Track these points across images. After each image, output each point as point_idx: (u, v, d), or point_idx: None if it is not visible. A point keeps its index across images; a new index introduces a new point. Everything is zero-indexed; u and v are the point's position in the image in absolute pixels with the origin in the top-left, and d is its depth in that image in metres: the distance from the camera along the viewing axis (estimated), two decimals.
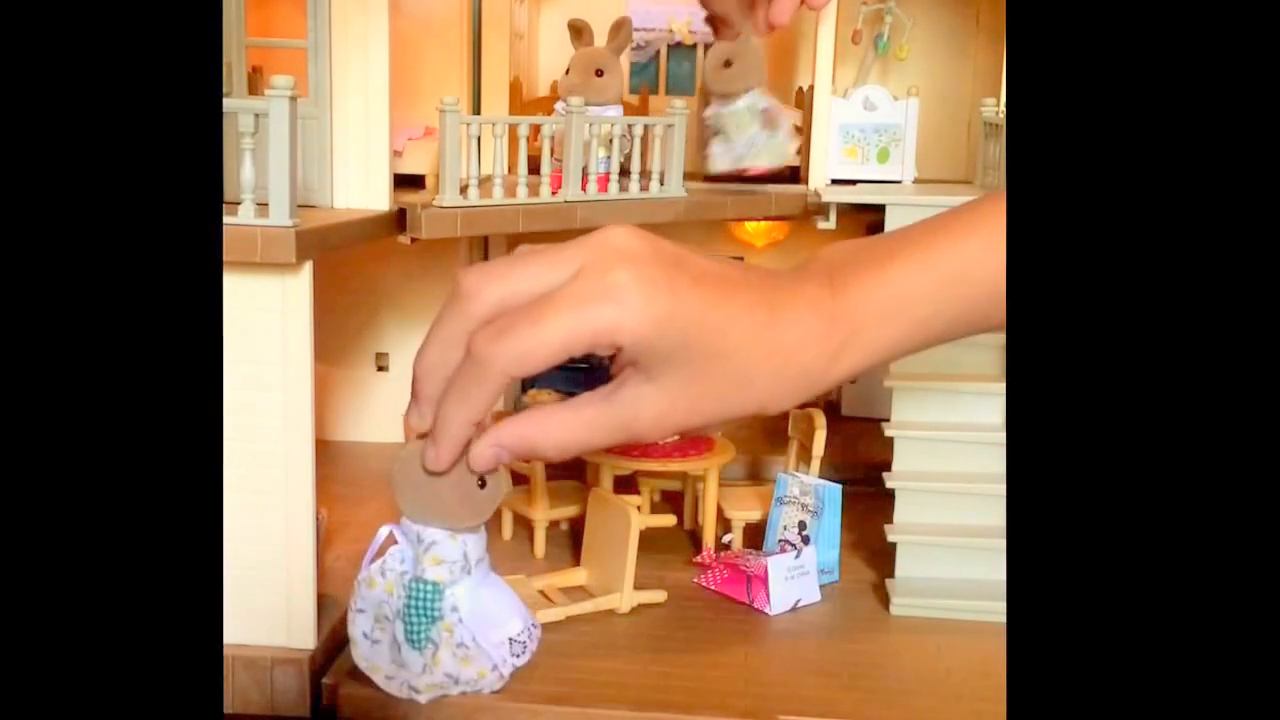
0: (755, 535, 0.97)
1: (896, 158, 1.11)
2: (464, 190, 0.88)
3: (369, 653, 0.57)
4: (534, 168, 0.96)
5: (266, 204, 0.70)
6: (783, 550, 0.92)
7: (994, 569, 0.88)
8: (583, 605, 0.85)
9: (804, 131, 1.13)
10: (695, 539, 0.99)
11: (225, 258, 0.62)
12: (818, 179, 1.11)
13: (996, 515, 0.89)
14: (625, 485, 0.99)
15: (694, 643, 0.82)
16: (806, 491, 0.93)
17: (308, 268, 0.72)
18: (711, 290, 0.44)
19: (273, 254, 0.69)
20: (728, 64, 0.99)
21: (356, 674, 0.64)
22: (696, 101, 1.09)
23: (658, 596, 0.87)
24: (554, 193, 0.94)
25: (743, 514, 0.98)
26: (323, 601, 0.77)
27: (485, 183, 0.92)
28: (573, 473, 1.01)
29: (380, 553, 0.56)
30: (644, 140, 1.01)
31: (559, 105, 1.00)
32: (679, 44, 1.30)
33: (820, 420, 0.97)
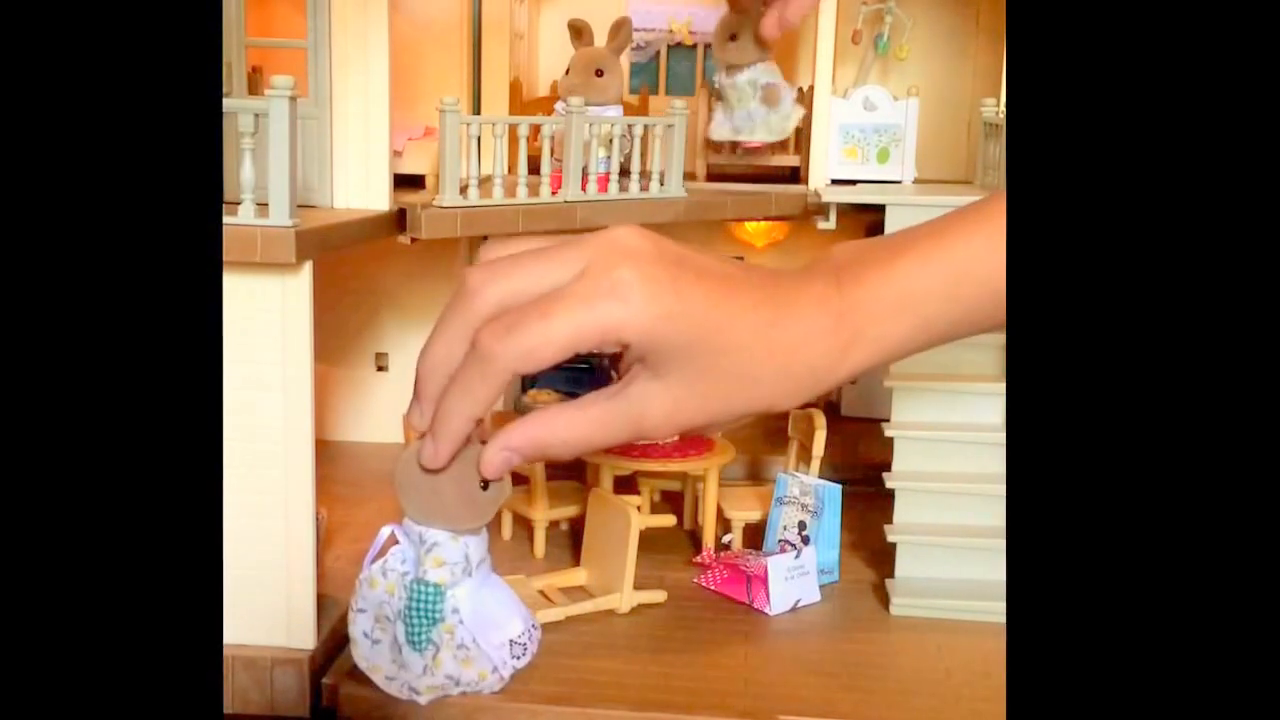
0: (755, 535, 0.97)
1: (896, 158, 1.11)
2: (464, 190, 0.88)
3: (369, 653, 0.57)
4: (534, 168, 0.96)
5: (266, 204, 0.70)
6: (783, 550, 0.92)
7: (994, 569, 0.88)
8: (582, 605, 0.85)
9: (804, 131, 1.13)
10: (695, 539, 0.99)
11: (225, 258, 0.62)
12: (818, 179, 1.11)
13: (996, 515, 0.89)
14: (625, 485, 0.99)
15: (694, 643, 0.82)
16: (806, 491, 0.93)
17: (308, 268, 0.72)
18: (716, 288, 0.44)
19: (273, 254, 0.69)
20: (734, 37, 1.00)
21: (356, 674, 0.64)
22: (697, 102, 1.09)
23: (658, 596, 0.87)
24: (554, 193, 0.94)
25: (743, 514, 0.98)
26: (323, 601, 0.77)
27: (485, 183, 0.92)
28: (573, 473, 1.01)
29: (382, 553, 0.56)
30: (644, 140, 1.01)
31: (559, 105, 1.00)
32: (679, 44, 1.30)
33: (820, 420, 0.97)
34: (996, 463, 0.89)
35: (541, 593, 0.86)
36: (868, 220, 1.08)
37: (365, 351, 1.23)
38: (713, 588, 0.91)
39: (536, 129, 0.97)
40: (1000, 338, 0.78)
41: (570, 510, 0.97)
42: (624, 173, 0.99)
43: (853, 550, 0.97)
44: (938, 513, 0.90)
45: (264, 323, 0.72)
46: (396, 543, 0.55)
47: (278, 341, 0.72)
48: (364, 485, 1.09)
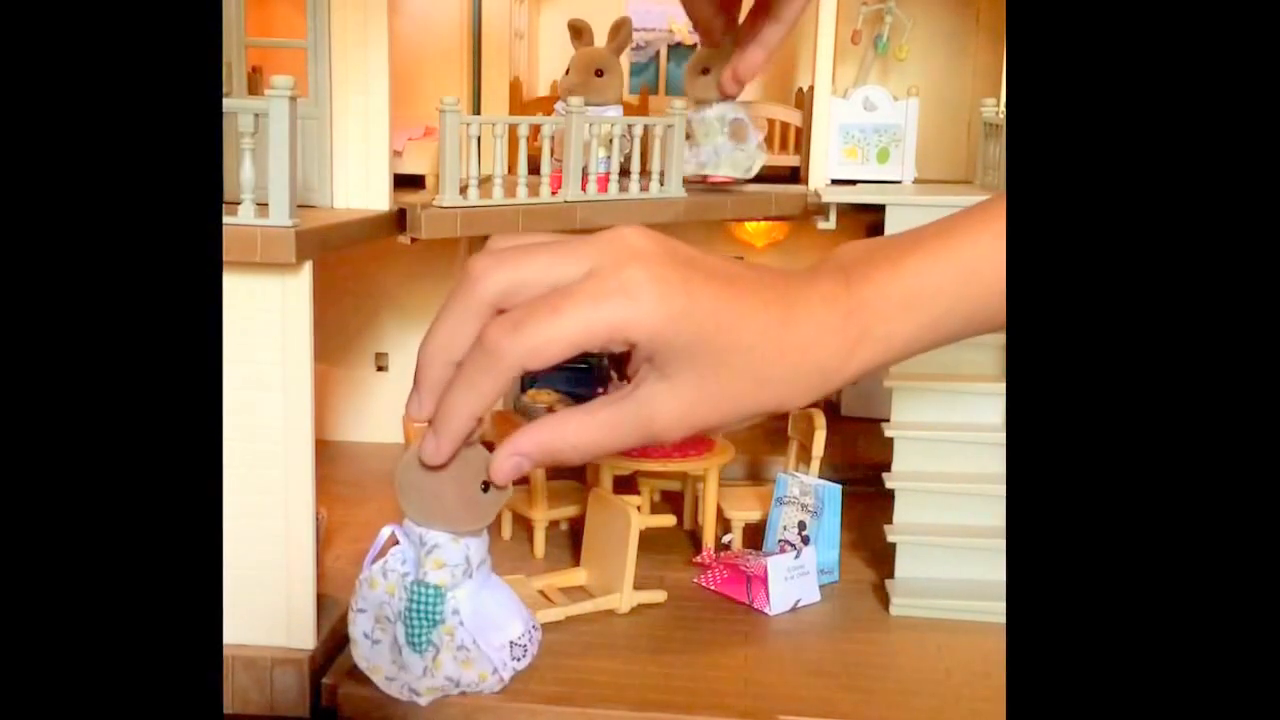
0: (755, 535, 0.97)
1: (896, 158, 1.11)
2: (464, 190, 0.88)
3: (369, 653, 0.57)
4: (534, 168, 0.96)
5: (266, 204, 0.70)
6: (782, 550, 0.92)
7: (994, 569, 0.88)
8: (582, 605, 0.85)
9: (804, 131, 1.13)
10: (695, 539, 0.99)
11: (225, 258, 0.62)
12: (818, 179, 1.11)
13: (996, 515, 0.89)
14: (625, 485, 0.99)
15: (694, 643, 0.82)
16: (806, 492, 0.93)
17: (308, 268, 0.72)
18: (725, 288, 0.44)
19: (273, 254, 0.69)
20: (705, 71, 1.00)
21: (356, 674, 0.64)
22: None
23: (657, 596, 0.87)
24: (554, 193, 0.94)
25: (742, 514, 0.98)
26: (323, 601, 0.77)
27: (485, 183, 0.92)
28: (572, 473, 1.01)
29: (382, 553, 0.56)
30: (644, 140, 1.01)
31: (559, 105, 1.00)
32: (679, 44, 1.30)
33: (820, 420, 0.97)
34: (996, 463, 0.89)
35: (541, 593, 0.86)
36: (868, 220, 1.08)
37: (365, 351, 1.23)
38: (713, 588, 0.91)
39: (536, 129, 0.97)
40: (1000, 338, 0.78)
41: (570, 510, 0.97)
42: (624, 173, 0.99)
43: (853, 550, 0.97)
44: (938, 513, 0.90)
45: (264, 323, 0.72)
46: (397, 543, 0.55)
47: (278, 341, 0.72)
48: (364, 485, 1.09)
